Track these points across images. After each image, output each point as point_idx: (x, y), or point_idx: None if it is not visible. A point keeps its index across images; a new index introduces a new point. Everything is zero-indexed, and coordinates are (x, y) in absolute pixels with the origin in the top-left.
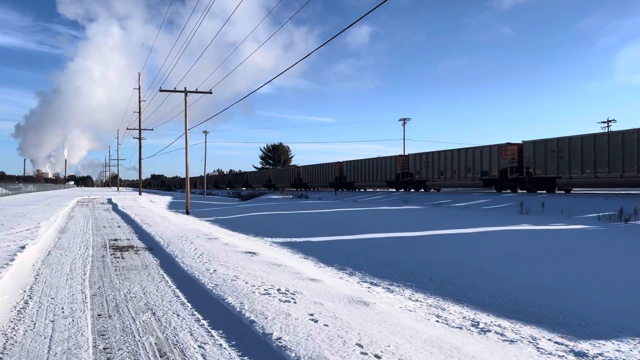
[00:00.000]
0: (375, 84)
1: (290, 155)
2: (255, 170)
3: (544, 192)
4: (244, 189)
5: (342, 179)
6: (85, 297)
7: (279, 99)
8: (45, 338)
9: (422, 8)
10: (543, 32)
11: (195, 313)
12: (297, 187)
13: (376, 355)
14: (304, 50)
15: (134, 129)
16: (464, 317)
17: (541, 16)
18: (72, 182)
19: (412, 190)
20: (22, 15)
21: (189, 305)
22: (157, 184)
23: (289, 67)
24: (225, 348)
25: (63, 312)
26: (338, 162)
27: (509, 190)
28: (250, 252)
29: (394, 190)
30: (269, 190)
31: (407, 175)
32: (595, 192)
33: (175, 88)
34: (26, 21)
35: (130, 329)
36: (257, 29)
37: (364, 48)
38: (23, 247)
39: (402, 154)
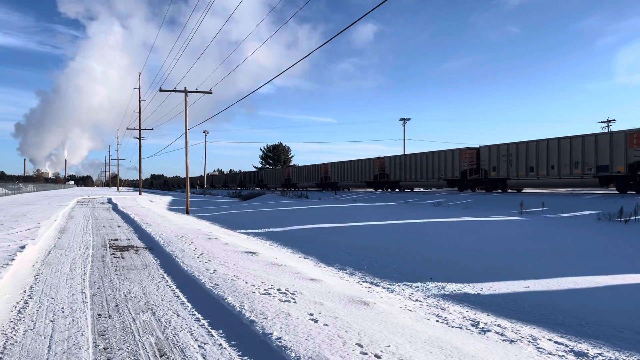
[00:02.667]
0: (378, 83)
1: (290, 155)
2: (271, 168)
3: None
4: (257, 188)
5: (383, 177)
6: (85, 297)
7: (280, 99)
8: (45, 338)
9: (428, 6)
10: (548, 31)
11: (195, 313)
12: (324, 186)
13: (376, 355)
14: (306, 48)
15: (134, 129)
16: (464, 317)
17: (547, 15)
18: (72, 182)
19: (482, 190)
20: (23, 15)
21: (188, 305)
22: (158, 183)
23: (291, 66)
24: (225, 348)
25: (63, 312)
26: (378, 158)
27: (634, 192)
28: (250, 252)
29: (457, 189)
30: (288, 190)
31: (476, 172)
32: None
33: (176, 87)
34: (27, 21)
35: (130, 328)
36: (261, 28)
37: (368, 46)
38: (23, 247)
39: (469, 146)
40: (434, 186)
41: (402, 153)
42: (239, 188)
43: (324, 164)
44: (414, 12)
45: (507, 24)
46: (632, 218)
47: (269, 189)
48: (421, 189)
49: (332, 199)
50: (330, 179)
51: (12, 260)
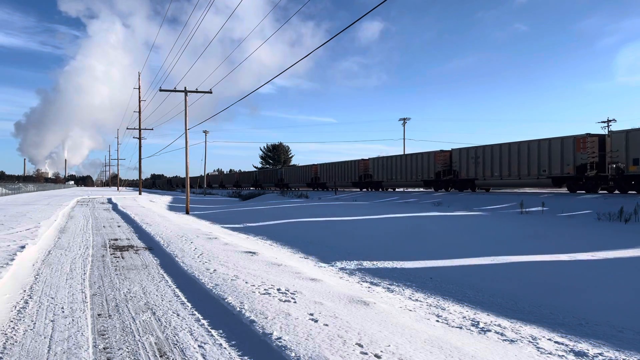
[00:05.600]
0: (382, 81)
1: (290, 155)
2: (294, 165)
3: None
4: (276, 188)
5: (447, 174)
6: (85, 297)
7: (282, 99)
8: (45, 338)
9: (435, 4)
10: (554, 29)
11: (195, 313)
12: (362, 186)
13: (376, 355)
14: (310, 46)
15: (134, 129)
16: (464, 317)
17: (555, 12)
18: (72, 182)
19: (604, 190)
20: (25, 15)
21: (188, 305)
22: (161, 183)
23: (294, 63)
24: (225, 348)
25: (63, 311)
26: (442, 151)
27: None
28: (250, 252)
29: (566, 190)
30: (314, 191)
31: (598, 167)
32: None
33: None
34: (29, 22)
35: (130, 328)
36: (265, 27)
37: (373, 45)
38: (23, 247)
39: (590, 133)
40: (528, 185)
41: (472, 146)
42: (253, 187)
43: (363, 159)
44: (420, 10)
45: (515, 22)
46: None
47: (290, 189)
48: (503, 189)
49: (383, 204)
50: (372, 177)
51: (12, 260)
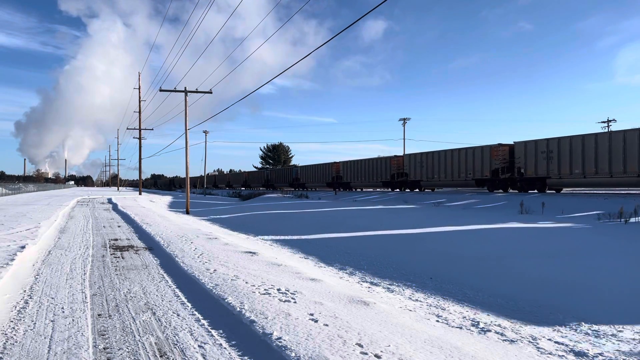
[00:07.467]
0: (385, 81)
1: (290, 155)
2: (313, 164)
3: None
4: (292, 189)
5: (507, 172)
6: (86, 297)
7: (282, 99)
8: (45, 338)
9: (439, 3)
10: (557, 28)
11: (195, 313)
12: (395, 186)
13: (376, 355)
14: (313, 45)
15: (135, 129)
16: (464, 317)
17: (559, 10)
18: (72, 182)
19: None
20: (26, 16)
21: (189, 305)
22: (162, 183)
23: (297, 62)
24: (225, 348)
25: (63, 311)
26: (499, 145)
27: None
28: (250, 252)
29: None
30: (335, 192)
31: None
32: None
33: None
34: (30, 22)
35: (130, 328)
36: (268, 25)
37: (376, 43)
38: (23, 247)
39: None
40: (623, 185)
41: (543, 139)
42: (264, 188)
43: (396, 156)
44: (424, 8)
45: (519, 20)
46: None
47: (307, 189)
48: (580, 189)
49: (437, 208)
50: (409, 176)
51: (12, 260)
